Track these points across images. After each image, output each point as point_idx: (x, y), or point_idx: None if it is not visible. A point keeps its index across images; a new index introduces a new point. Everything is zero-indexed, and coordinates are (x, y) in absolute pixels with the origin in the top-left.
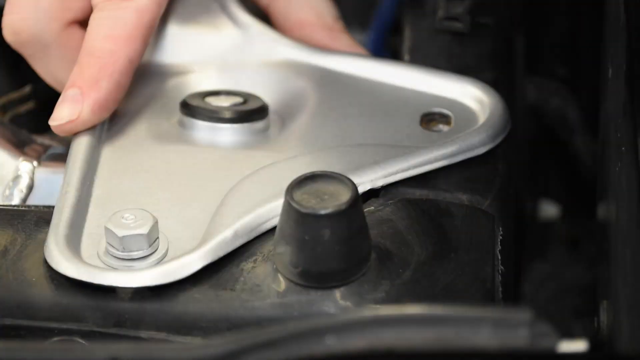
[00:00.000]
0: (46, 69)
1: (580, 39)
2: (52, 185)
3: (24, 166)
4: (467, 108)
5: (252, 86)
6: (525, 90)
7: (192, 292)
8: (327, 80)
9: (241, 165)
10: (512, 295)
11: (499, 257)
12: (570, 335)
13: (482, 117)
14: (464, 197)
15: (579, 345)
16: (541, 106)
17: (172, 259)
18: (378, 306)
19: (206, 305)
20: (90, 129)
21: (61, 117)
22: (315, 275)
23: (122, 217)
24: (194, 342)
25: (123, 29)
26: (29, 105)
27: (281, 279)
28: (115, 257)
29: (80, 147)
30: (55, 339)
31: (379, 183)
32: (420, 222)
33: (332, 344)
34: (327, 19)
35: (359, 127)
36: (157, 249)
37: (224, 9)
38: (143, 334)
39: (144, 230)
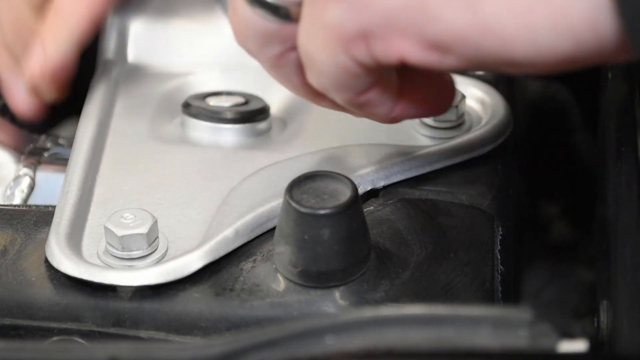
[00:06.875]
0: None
1: None
2: (53, 185)
3: (25, 166)
4: (469, 108)
5: (254, 87)
6: (525, 90)
7: (192, 292)
8: None
9: (242, 166)
10: (512, 295)
11: (499, 257)
12: (570, 335)
13: (484, 118)
14: (463, 197)
15: (579, 345)
16: (541, 106)
17: (173, 258)
18: (378, 306)
19: (205, 305)
20: (92, 128)
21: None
22: (314, 275)
23: (122, 217)
24: (194, 342)
25: None
26: None
27: (281, 278)
28: (114, 256)
29: (83, 147)
30: (55, 338)
31: (380, 183)
32: (420, 222)
33: (332, 344)
34: None
35: (359, 127)
36: (156, 249)
37: (227, 11)
38: (142, 333)
39: (144, 229)
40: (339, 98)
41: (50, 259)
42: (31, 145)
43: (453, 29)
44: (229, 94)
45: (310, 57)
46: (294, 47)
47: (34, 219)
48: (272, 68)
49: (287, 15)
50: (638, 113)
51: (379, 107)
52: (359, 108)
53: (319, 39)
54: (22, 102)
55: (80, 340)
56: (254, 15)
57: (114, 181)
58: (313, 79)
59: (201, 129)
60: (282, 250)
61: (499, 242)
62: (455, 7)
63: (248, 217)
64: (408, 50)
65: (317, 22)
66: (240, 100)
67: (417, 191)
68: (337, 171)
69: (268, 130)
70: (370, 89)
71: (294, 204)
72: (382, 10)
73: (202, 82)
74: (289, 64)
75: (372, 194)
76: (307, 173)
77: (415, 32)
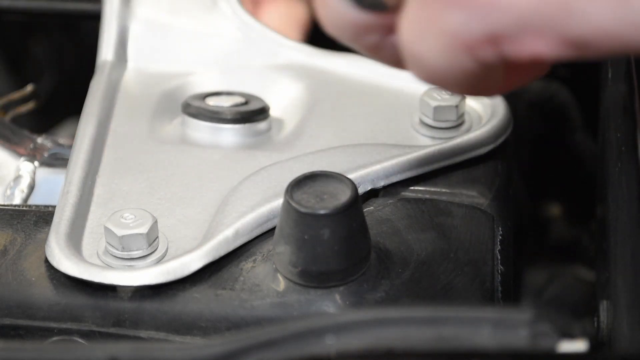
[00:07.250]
0: None
1: None
2: (53, 185)
3: (25, 166)
4: (469, 108)
5: (254, 87)
6: (525, 90)
7: (192, 292)
8: (328, 81)
9: (242, 166)
10: (512, 295)
11: (499, 257)
12: (570, 335)
13: (484, 118)
14: (463, 197)
15: (579, 345)
16: (541, 106)
17: (173, 258)
18: (378, 306)
19: (205, 305)
20: (92, 128)
21: None
22: (314, 275)
23: (122, 217)
24: (194, 342)
25: None
26: (29, 106)
27: (281, 278)
28: (114, 256)
29: (83, 147)
30: (55, 338)
31: (380, 183)
32: (420, 222)
33: (332, 344)
34: None
35: (359, 127)
36: (156, 249)
37: (226, 11)
38: (142, 333)
39: (144, 229)
40: (451, 90)
41: (50, 259)
42: (31, 145)
43: (599, 25)
44: (228, 94)
45: (420, 58)
46: (392, 31)
47: (34, 219)
48: (370, 53)
49: (382, 6)
50: (638, 113)
51: (489, 91)
52: (469, 94)
53: (435, 43)
54: None
55: (80, 340)
56: (345, 6)
57: (114, 181)
58: (421, 76)
59: (201, 129)
60: (282, 250)
61: (499, 242)
62: (601, 2)
63: (248, 217)
64: (544, 49)
65: (433, 26)
66: (240, 100)
67: (417, 191)
68: (337, 171)
69: (268, 130)
70: (485, 82)
71: (294, 204)
72: (514, 11)
73: (202, 82)
74: (388, 47)
75: (372, 194)
76: (307, 173)
77: (554, 31)
